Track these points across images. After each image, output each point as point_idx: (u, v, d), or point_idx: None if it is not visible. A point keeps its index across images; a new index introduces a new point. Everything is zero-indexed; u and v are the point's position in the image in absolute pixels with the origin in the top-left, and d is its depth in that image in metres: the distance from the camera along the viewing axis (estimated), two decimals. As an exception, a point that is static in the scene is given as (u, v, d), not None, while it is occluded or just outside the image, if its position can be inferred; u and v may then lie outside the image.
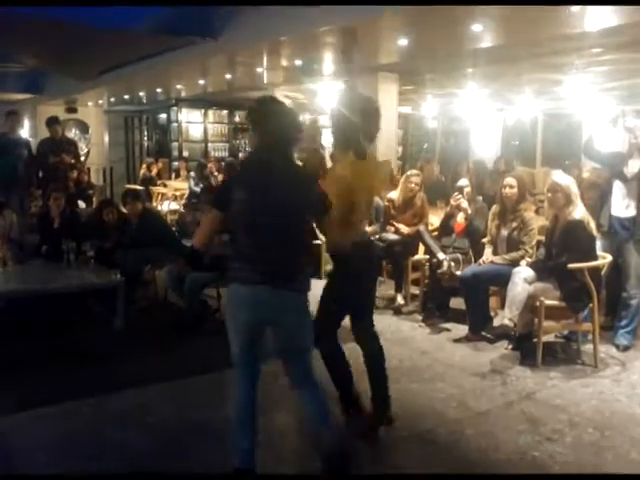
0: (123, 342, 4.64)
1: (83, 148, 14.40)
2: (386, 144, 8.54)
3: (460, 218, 5.36)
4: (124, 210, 5.90)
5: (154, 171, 12.95)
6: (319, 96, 10.47)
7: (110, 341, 4.69)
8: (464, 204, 5.31)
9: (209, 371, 3.02)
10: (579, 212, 4.16)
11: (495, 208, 5.02)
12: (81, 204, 8.19)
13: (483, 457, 2.92)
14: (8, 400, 3.48)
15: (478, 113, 14.67)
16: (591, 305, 4.17)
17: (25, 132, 13.92)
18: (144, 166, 13.32)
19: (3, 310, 4.77)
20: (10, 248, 5.76)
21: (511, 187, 4.81)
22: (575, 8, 4.76)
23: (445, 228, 5.53)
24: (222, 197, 2.62)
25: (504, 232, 4.84)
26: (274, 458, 2.86)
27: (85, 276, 5.05)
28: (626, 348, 4.45)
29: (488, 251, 4.92)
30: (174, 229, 6.93)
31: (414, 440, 3.13)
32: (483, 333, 4.68)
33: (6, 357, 4.07)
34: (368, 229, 6.21)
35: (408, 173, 6.19)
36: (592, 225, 4.23)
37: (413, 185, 5.84)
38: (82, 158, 11.82)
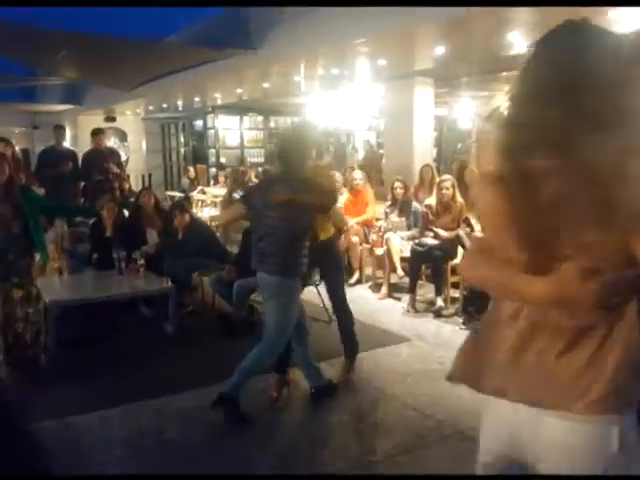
0: (176, 346, 4.84)
1: (123, 156, 14.77)
2: (422, 146, 8.66)
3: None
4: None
5: (192, 178, 13.21)
6: (356, 101, 10.64)
7: (163, 345, 4.89)
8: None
9: (261, 372, 3.27)
10: None
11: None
12: (125, 212, 8.47)
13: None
14: (74, 403, 3.71)
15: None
16: None
17: (67, 142, 14.39)
18: (187, 173, 13.56)
19: (60, 317, 5.01)
20: (65, 258, 6.05)
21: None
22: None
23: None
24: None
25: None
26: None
27: (138, 284, 5.29)
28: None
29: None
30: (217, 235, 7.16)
31: (456, 437, 3.27)
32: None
33: (64, 363, 4.31)
34: (405, 234, 6.39)
35: (438, 179, 6.29)
36: None
37: (444, 191, 5.92)
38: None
